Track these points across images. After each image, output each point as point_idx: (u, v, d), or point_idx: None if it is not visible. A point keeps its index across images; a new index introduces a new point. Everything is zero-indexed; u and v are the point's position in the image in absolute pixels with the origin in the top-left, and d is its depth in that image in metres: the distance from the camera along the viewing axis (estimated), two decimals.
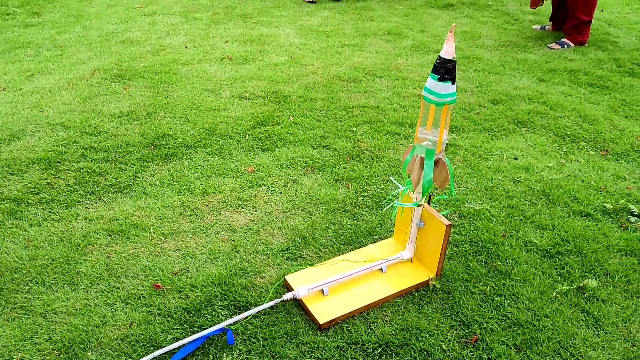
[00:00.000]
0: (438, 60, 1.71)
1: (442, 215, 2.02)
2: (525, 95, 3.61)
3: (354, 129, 3.15)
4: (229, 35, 4.55)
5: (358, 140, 3.03)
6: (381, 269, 2.10)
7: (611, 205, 2.53)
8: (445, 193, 2.49)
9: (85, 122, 3.15)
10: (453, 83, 1.74)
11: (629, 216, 2.47)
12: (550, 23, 4.92)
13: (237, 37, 4.51)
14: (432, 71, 1.73)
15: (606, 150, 3.03)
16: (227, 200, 2.53)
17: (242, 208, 2.49)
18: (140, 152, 2.89)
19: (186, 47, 4.28)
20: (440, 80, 1.72)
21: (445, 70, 1.71)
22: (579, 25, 4.40)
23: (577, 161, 2.92)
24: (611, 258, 2.24)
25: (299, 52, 4.23)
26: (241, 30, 4.67)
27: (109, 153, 2.87)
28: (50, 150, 2.87)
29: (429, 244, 2.06)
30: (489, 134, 3.16)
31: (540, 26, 4.96)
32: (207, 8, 5.24)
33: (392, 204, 2.03)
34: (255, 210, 2.47)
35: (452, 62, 1.70)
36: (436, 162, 1.89)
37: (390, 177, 2.40)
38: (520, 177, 2.75)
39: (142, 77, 3.72)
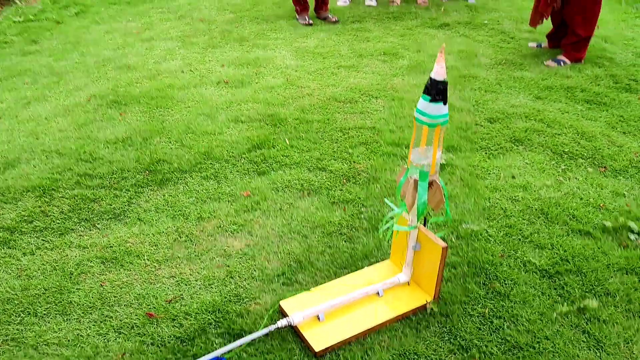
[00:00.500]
0: (429, 82, 1.72)
1: (439, 237, 2.01)
2: (522, 113, 3.62)
3: (350, 150, 3.15)
4: (225, 59, 4.58)
5: (354, 162, 3.03)
6: (378, 293, 2.08)
7: (610, 223, 2.52)
8: (441, 214, 2.47)
9: (80, 149, 3.16)
10: (445, 104, 1.74)
11: (629, 234, 2.45)
12: (547, 40, 4.94)
13: (233, 61, 4.54)
14: (424, 92, 1.74)
15: (604, 167, 3.02)
16: (222, 225, 2.52)
17: (238, 233, 2.47)
18: (135, 177, 2.89)
19: (182, 71, 4.31)
20: (432, 101, 1.72)
21: (436, 91, 1.72)
22: (578, 42, 4.43)
23: (576, 179, 2.91)
24: (611, 277, 2.22)
25: (295, 74, 4.25)
26: (237, 53, 4.71)
27: (103, 179, 2.87)
28: (45, 178, 2.87)
29: (425, 266, 2.04)
30: (486, 153, 3.16)
31: (536, 44, 4.99)
32: (204, 32, 5.29)
33: (386, 226, 2.01)
34: (251, 235, 2.46)
35: (443, 84, 1.71)
36: (430, 184, 1.88)
37: (385, 199, 2.39)
38: (518, 196, 2.74)
39: (138, 103, 3.73)
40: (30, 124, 3.50)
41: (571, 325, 1.99)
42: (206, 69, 4.37)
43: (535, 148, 3.24)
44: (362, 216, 2.59)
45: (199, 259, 2.31)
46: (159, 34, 5.30)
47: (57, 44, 5.11)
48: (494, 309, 2.06)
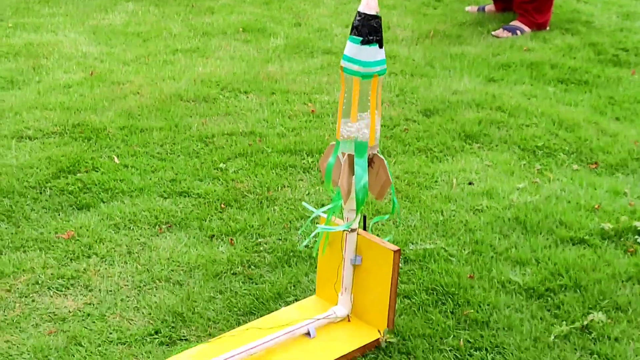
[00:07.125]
0: (358, 18, 2.43)
1: (386, 241, 2.72)
2: (471, 101, 4.56)
3: (222, 165, 3.83)
4: None
5: (233, 180, 3.71)
6: (308, 333, 2.73)
7: (611, 225, 3.42)
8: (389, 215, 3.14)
9: None
10: (381, 47, 2.47)
11: (637, 237, 3.36)
12: (492, 2, 6.08)
13: None
14: (352, 33, 2.45)
15: (595, 163, 3.99)
16: (40, 281, 3.05)
17: (68, 288, 3.02)
18: None
19: None
20: (364, 43, 2.45)
21: (369, 29, 2.44)
22: (538, 0, 5.56)
23: (558, 180, 3.83)
24: (620, 289, 3.08)
25: (101, 66, 4.89)
26: None
27: None
28: None
29: (371, 286, 2.74)
30: (426, 156, 4.01)
31: (477, 7, 6.12)
32: None
33: (305, 240, 2.63)
34: (90, 290, 3.02)
35: (376, 19, 2.42)
36: (371, 160, 2.58)
37: (303, 203, 3.04)
38: (481, 205, 3.58)
39: None
40: None
41: (575, 348, 2.79)
42: None
43: (496, 145, 4.16)
44: (262, 248, 3.25)
45: (17, 327, 2.83)
46: None
47: None
48: (472, 340, 2.80)
